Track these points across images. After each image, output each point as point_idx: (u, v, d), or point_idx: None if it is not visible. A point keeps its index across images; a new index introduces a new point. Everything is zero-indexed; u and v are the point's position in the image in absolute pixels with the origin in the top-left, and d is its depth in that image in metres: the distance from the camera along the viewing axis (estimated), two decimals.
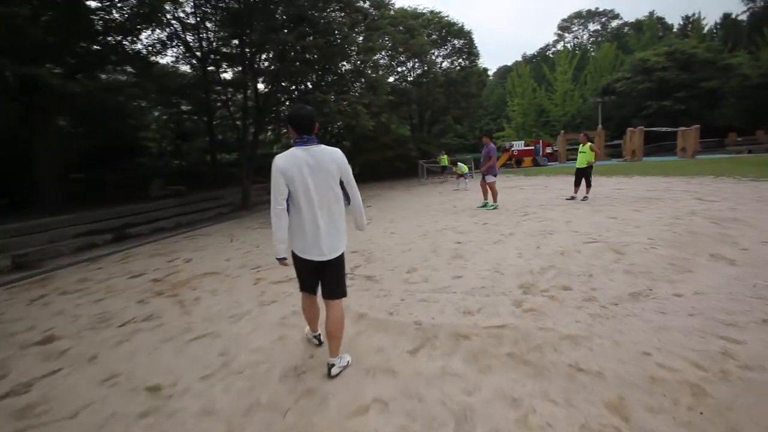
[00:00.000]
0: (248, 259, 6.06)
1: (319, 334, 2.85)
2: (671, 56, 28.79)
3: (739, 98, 30.18)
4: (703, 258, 3.99)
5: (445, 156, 18.52)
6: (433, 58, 24.68)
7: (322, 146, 2.28)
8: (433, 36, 24.65)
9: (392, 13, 19.69)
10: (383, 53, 23.90)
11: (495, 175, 8.64)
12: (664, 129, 24.47)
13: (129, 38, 11.04)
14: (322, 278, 2.45)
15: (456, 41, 25.63)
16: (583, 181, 8.40)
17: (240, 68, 13.36)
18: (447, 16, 24.92)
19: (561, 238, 5.23)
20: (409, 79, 25.28)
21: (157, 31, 13.22)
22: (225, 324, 3.49)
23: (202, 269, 5.66)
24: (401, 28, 20.12)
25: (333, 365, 2.44)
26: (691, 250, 4.27)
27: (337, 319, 2.42)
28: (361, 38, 13.06)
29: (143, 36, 12.84)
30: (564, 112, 35.35)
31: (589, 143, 8.20)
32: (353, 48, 12.66)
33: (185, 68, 15.97)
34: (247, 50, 12.61)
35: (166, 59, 15.02)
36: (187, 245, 7.96)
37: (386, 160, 25.24)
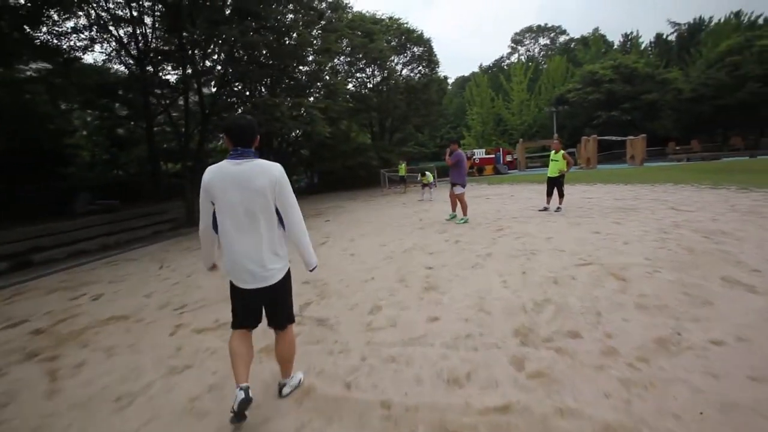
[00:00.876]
0: (174, 294, 4.86)
1: (247, 388, 1.98)
2: (616, 69, 30.47)
3: (674, 110, 32.53)
4: (715, 284, 3.40)
5: (403, 165, 17.60)
6: (393, 65, 24.23)
7: (259, 161, 1.98)
8: (393, 42, 24.23)
9: (350, 16, 18.92)
10: (341, 59, 23.12)
11: (464, 186, 7.98)
12: (614, 138, 25.57)
13: (39, 28, 9.39)
14: (264, 307, 2.19)
15: (416, 48, 25.39)
16: (555, 192, 7.94)
17: (182, 69, 11.95)
18: (406, 23, 24.64)
19: (547, 260, 4.54)
20: (369, 85, 24.63)
21: (80, 22, 11.55)
22: (103, 415, 2.36)
23: (110, 311, 4.41)
24: (359, 32, 19.41)
25: (284, 385, 2.34)
26: (697, 273, 3.69)
27: (288, 344, 2.28)
28: (317, 40, 12.10)
29: (63, 28, 11.16)
30: (521, 121, 36.37)
31: (562, 151, 7.75)
32: (308, 50, 11.66)
33: (119, 68, 14.22)
34: (190, 49, 11.26)
35: (96, 57, 13.26)
36: (105, 274, 6.55)
37: (346, 169, 24.30)
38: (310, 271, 2.23)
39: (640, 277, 3.70)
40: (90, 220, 10.91)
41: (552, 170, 7.85)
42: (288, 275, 2.18)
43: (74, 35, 10.64)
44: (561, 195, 7.88)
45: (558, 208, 7.88)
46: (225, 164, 1.97)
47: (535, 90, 37.81)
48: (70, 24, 10.34)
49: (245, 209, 1.94)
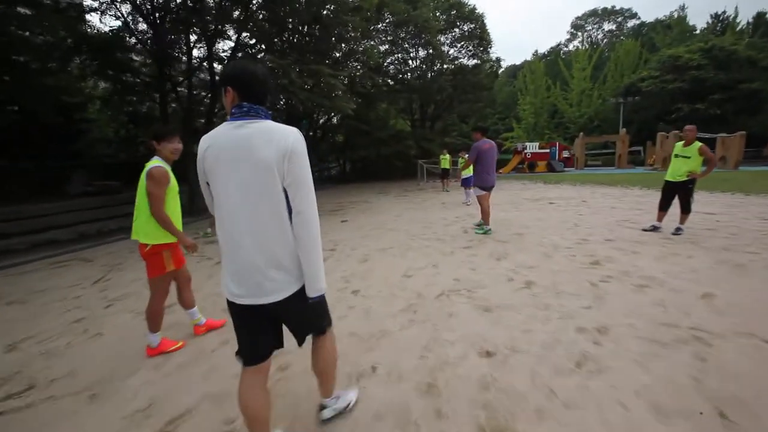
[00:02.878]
0: (51, 344, 2.92)
1: None
2: (708, 53, 25.61)
3: None
4: None
5: (448, 156, 13.81)
6: (440, 43, 21.45)
7: (267, 123, 1.36)
8: (441, 19, 21.42)
9: None
10: (381, 36, 20.72)
11: (487, 188, 5.79)
12: (702, 135, 21.31)
13: None
14: (284, 324, 1.57)
15: (466, 27, 22.41)
16: (677, 203, 5.25)
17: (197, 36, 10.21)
18: None
19: (742, 362, 2.08)
20: (411, 64, 22.09)
21: None
22: None
23: None
24: None
25: (325, 407, 1.82)
26: None
27: (327, 353, 1.69)
28: None
29: None
30: (580, 113, 32.17)
31: (698, 143, 4.99)
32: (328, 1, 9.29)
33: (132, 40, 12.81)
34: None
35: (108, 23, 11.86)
36: (31, 283, 4.82)
37: (382, 158, 22.13)
38: (311, 299, 1.41)
39: None
40: (79, 203, 9.53)
41: (676, 171, 5.13)
42: (300, 290, 1.42)
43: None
44: (685, 210, 5.15)
45: (678, 229, 5.18)
46: (223, 129, 1.37)
47: (600, 79, 33.24)
48: None
49: (247, 189, 1.33)
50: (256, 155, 1.30)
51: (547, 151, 24.03)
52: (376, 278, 4.11)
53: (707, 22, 39.57)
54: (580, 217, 6.99)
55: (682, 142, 5.13)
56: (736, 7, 35.73)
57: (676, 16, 39.76)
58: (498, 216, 7.49)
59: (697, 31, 38.86)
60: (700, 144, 4.96)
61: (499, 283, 3.68)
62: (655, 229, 5.41)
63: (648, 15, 72.97)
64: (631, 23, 55.92)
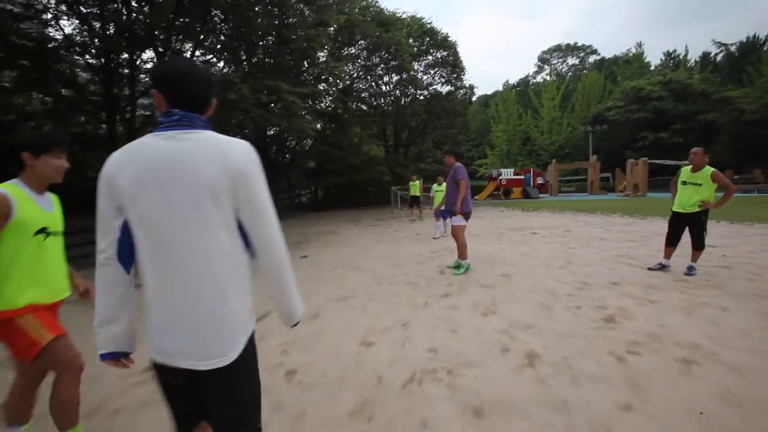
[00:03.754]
0: None
1: None
2: (667, 86, 26.87)
3: (729, 135, 28.51)
4: None
5: (418, 182, 12.40)
6: (411, 64, 21.28)
7: (208, 134, 1.04)
8: (413, 44, 21.37)
9: (364, 3, 16.02)
10: (355, 63, 20.36)
11: (465, 216, 5.05)
12: (667, 162, 21.78)
13: None
14: (207, 405, 1.11)
15: (439, 53, 22.49)
16: (685, 236, 4.49)
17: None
18: (429, 23, 21.79)
19: None
20: (383, 88, 21.76)
21: None
22: None
23: None
24: (373, 23, 16.42)
25: None
26: None
27: None
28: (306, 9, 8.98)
29: None
30: (551, 140, 32.88)
31: (710, 168, 4.28)
32: (288, 14, 8.51)
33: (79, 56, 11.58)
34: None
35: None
36: None
37: (355, 185, 21.26)
38: (292, 326, 1.22)
39: None
40: None
41: (685, 201, 4.39)
42: (251, 348, 1.12)
43: None
44: (698, 246, 4.39)
45: (690, 268, 4.40)
46: (148, 141, 1.02)
47: (568, 108, 34.36)
48: None
49: (179, 221, 0.98)
50: (195, 176, 0.96)
51: (522, 177, 23.95)
52: (324, 349, 3.00)
53: (660, 59, 42.37)
54: (571, 251, 6.17)
55: (689, 167, 4.44)
56: (686, 46, 38.45)
57: (633, 51, 42.32)
58: (479, 250, 6.58)
59: (652, 68, 41.43)
60: (712, 169, 4.27)
61: (490, 358, 2.66)
62: (662, 267, 4.61)
63: (606, 51, 78.24)
64: (592, 58, 59.37)
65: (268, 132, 19.51)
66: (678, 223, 4.49)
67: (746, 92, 28.08)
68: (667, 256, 4.60)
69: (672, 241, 4.55)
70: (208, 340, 1.01)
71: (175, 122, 1.01)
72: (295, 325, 1.21)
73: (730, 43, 40.83)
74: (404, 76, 20.19)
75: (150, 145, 1.00)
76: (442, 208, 8.40)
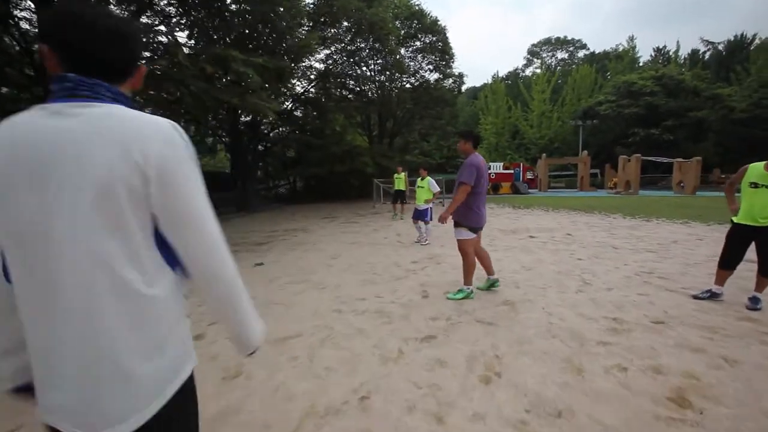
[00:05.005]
0: None
1: None
2: (659, 81, 26.22)
3: (717, 133, 28.26)
4: None
5: (403, 175, 11.02)
6: (399, 56, 19.87)
7: (114, 109, 0.73)
8: (400, 26, 19.94)
9: None
10: (335, 47, 18.82)
11: (474, 228, 3.73)
12: (661, 159, 21.15)
13: None
14: None
15: (427, 38, 21.12)
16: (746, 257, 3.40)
17: None
18: (418, 4, 20.35)
19: None
20: (369, 74, 20.36)
21: None
22: None
23: None
24: None
25: None
26: None
27: None
28: None
29: None
30: (541, 134, 32.04)
31: None
32: None
33: None
34: None
35: None
36: None
37: (336, 176, 19.91)
38: (249, 355, 0.94)
39: None
40: None
41: (758, 209, 3.23)
42: (186, 399, 0.83)
43: None
44: (766, 271, 3.28)
45: (754, 300, 3.30)
46: (23, 119, 0.72)
47: (558, 101, 33.53)
48: None
49: (56, 237, 0.69)
50: (81, 169, 0.67)
51: (511, 172, 23.01)
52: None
53: (651, 55, 42.03)
54: (582, 265, 5.06)
55: (762, 163, 3.30)
56: (678, 41, 38.10)
57: (623, 46, 41.80)
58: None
59: (641, 64, 41.07)
60: None
61: None
62: (712, 296, 3.52)
63: (595, 46, 77.96)
64: (581, 53, 58.93)
65: (242, 118, 17.96)
66: (743, 240, 3.37)
67: (735, 90, 27.78)
68: (720, 281, 3.50)
69: (730, 262, 3.44)
70: (96, 400, 0.71)
71: (67, 92, 0.72)
72: (252, 353, 0.92)
73: (718, 42, 40.83)
74: (389, 60, 18.77)
75: (25, 124, 0.70)
76: (421, 207, 7.19)
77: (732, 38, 38.09)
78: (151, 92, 6.43)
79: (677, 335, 2.83)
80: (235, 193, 17.39)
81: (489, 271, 4.04)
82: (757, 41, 34.45)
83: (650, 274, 4.50)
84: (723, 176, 27.53)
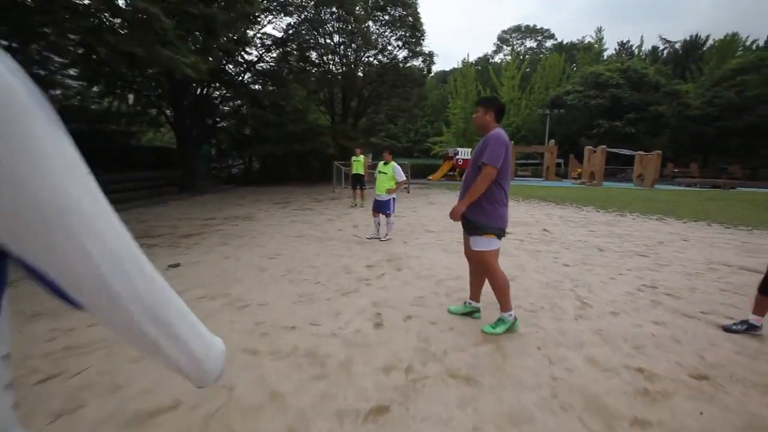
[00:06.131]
0: None
1: None
2: (624, 73, 26.47)
3: (674, 129, 29.27)
4: None
5: (362, 158, 10.03)
6: (365, 27, 18.30)
7: None
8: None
9: None
10: (298, 16, 16.98)
11: (497, 232, 2.60)
12: (623, 151, 21.34)
13: None
14: None
15: (397, 11, 19.64)
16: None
17: None
18: None
19: None
20: (331, 46, 18.69)
21: None
22: None
23: None
24: None
25: None
26: None
27: None
28: None
29: None
30: (509, 122, 31.74)
31: None
32: None
33: None
34: None
35: None
36: None
37: (294, 157, 18.35)
38: (199, 387, 0.61)
39: None
40: None
41: None
42: None
43: None
44: None
45: None
46: None
47: (527, 89, 33.31)
48: None
49: None
50: None
51: None
52: None
53: (615, 49, 42.88)
54: (569, 272, 4.22)
55: None
56: (642, 36, 38.95)
57: (589, 39, 42.27)
58: (438, 265, 4.43)
59: (605, 57, 41.85)
60: None
61: None
62: (750, 328, 2.72)
63: (563, 37, 79.36)
64: (549, 43, 59.43)
65: (197, 92, 15.85)
66: None
67: (692, 87, 28.73)
68: (762, 311, 2.70)
69: None
70: None
71: None
72: (201, 387, 0.63)
73: (675, 41, 42.34)
74: (355, 29, 17.17)
75: None
76: (382, 198, 6.07)
77: (688, 38, 39.59)
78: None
79: (737, 404, 1.95)
80: (179, 172, 15.41)
81: (475, 295, 3.03)
82: (710, 42, 35.90)
83: (654, 288, 3.70)
84: (676, 170, 28.73)
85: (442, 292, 3.59)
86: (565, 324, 2.88)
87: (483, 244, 2.62)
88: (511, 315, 2.70)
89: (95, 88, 16.13)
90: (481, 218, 2.58)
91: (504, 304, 2.70)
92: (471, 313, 3.02)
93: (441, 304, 3.28)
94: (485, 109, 2.68)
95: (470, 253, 2.79)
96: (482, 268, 2.75)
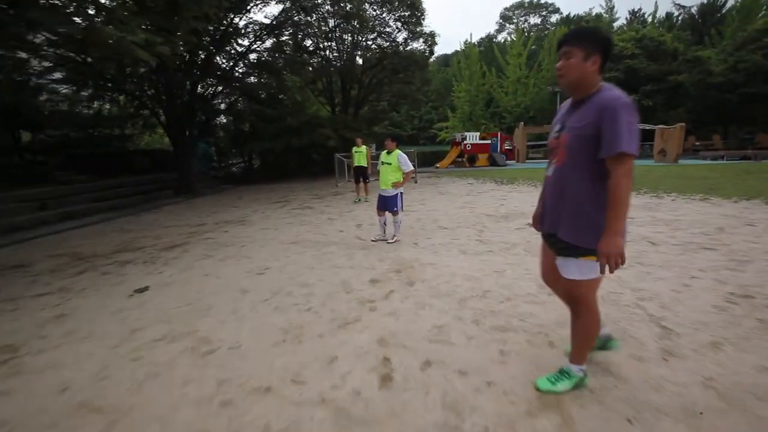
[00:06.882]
0: None
1: None
2: (639, 43, 24.85)
3: (694, 99, 27.59)
4: None
5: (364, 148, 9.33)
6: (364, 10, 17.21)
7: None
8: None
9: None
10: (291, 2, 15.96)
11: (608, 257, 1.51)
12: (646, 126, 19.97)
13: None
14: None
15: None
16: None
17: None
18: None
19: None
20: (324, 27, 17.69)
21: None
22: None
23: None
24: None
25: None
26: None
27: None
28: None
29: None
30: (516, 102, 30.36)
31: None
32: None
33: None
34: None
35: None
36: None
37: (294, 151, 17.53)
38: None
39: None
40: None
41: None
42: None
43: None
44: None
45: None
46: None
47: (534, 67, 31.76)
48: None
49: None
50: None
51: (489, 142, 21.24)
52: None
53: (626, 18, 40.77)
54: (622, 276, 3.34)
55: None
56: (656, 3, 36.87)
57: (598, 9, 40.20)
58: (460, 276, 3.58)
59: (615, 28, 39.80)
60: None
61: None
62: None
63: (569, 9, 75.95)
64: (554, 18, 57.07)
65: (197, 89, 15.11)
66: None
67: (714, 53, 26.95)
68: None
69: None
70: None
71: None
72: None
73: (690, 6, 40.01)
74: (350, 10, 16.08)
75: None
76: (388, 194, 5.21)
77: (705, 1, 37.30)
78: None
79: None
80: (175, 174, 14.75)
81: (581, 351, 2.09)
82: (730, 3, 33.71)
83: (749, 298, 2.81)
84: (698, 143, 27.15)
85: (468, 317, 2.75)
86: (652, 368, 2.02)
87: (583, 270, 1.68)
88: (582, 369, 1.85)
89: (84, 93, 15.52)
90: (588, 235, 1.61)
91: (580, 354, 1.84)
92: (602, 347, 2.13)
93: (470, 338, 2.44)
94: (586, 50, 1.56)
95: (558, 282, 1.84)
96: (573, 303, 1.83)
